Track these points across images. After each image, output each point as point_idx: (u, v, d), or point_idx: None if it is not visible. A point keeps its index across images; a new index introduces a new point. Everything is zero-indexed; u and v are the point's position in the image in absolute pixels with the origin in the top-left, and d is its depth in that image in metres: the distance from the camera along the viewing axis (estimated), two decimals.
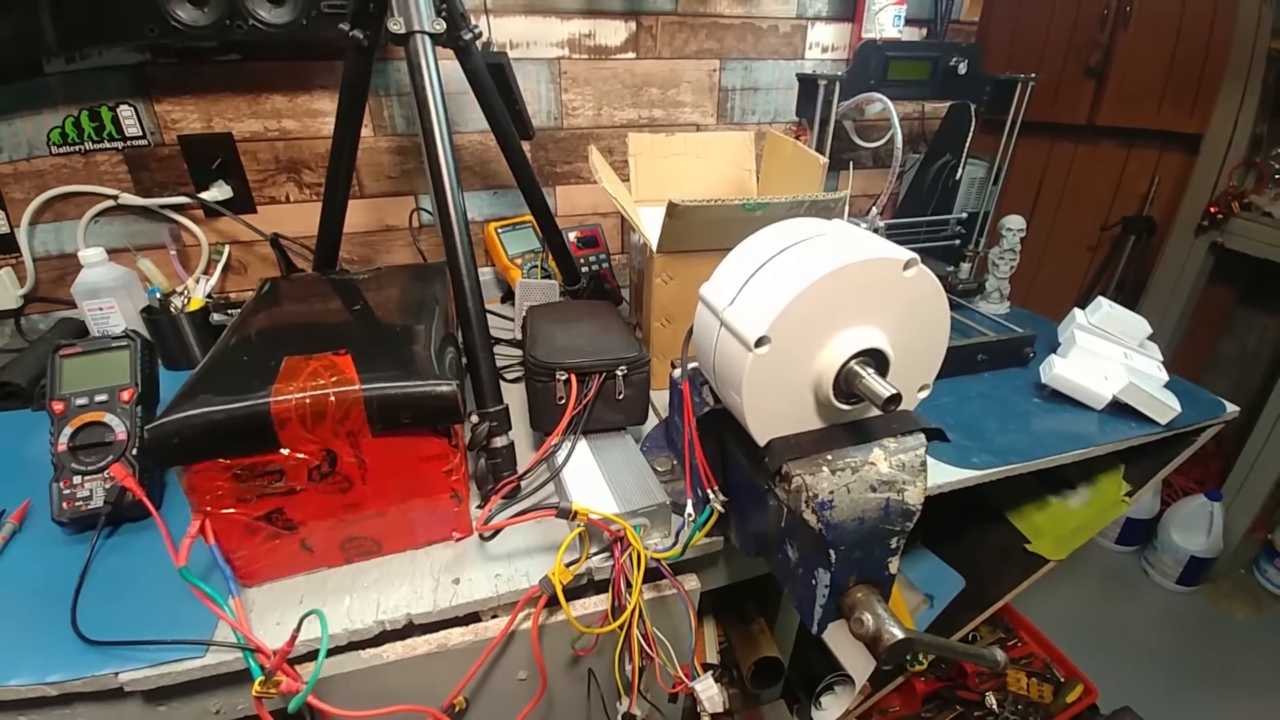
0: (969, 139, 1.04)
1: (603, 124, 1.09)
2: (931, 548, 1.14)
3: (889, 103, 0.84)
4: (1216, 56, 1.55)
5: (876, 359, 0.40)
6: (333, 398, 0.48)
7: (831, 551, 0.41)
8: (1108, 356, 0.89)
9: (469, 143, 1.06)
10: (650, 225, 0.76)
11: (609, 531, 0.52)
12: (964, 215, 1.10)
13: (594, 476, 0.61)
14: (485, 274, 1.14)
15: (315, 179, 1.02)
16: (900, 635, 0.42)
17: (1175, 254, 1.81)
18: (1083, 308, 0.95)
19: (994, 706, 1.27)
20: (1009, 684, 1.33)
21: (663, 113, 1.10)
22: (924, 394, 0.46)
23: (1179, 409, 0.81)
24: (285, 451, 0.48)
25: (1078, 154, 2.05)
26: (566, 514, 0.50)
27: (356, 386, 0.49)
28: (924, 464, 0.43)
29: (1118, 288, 2.17)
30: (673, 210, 0.65)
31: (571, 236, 1.09)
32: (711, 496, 0.51)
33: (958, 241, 1.12)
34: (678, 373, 0.64)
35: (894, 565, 0.46)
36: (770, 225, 0.44)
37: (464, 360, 0.64)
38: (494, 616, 0.54)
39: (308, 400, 0.48)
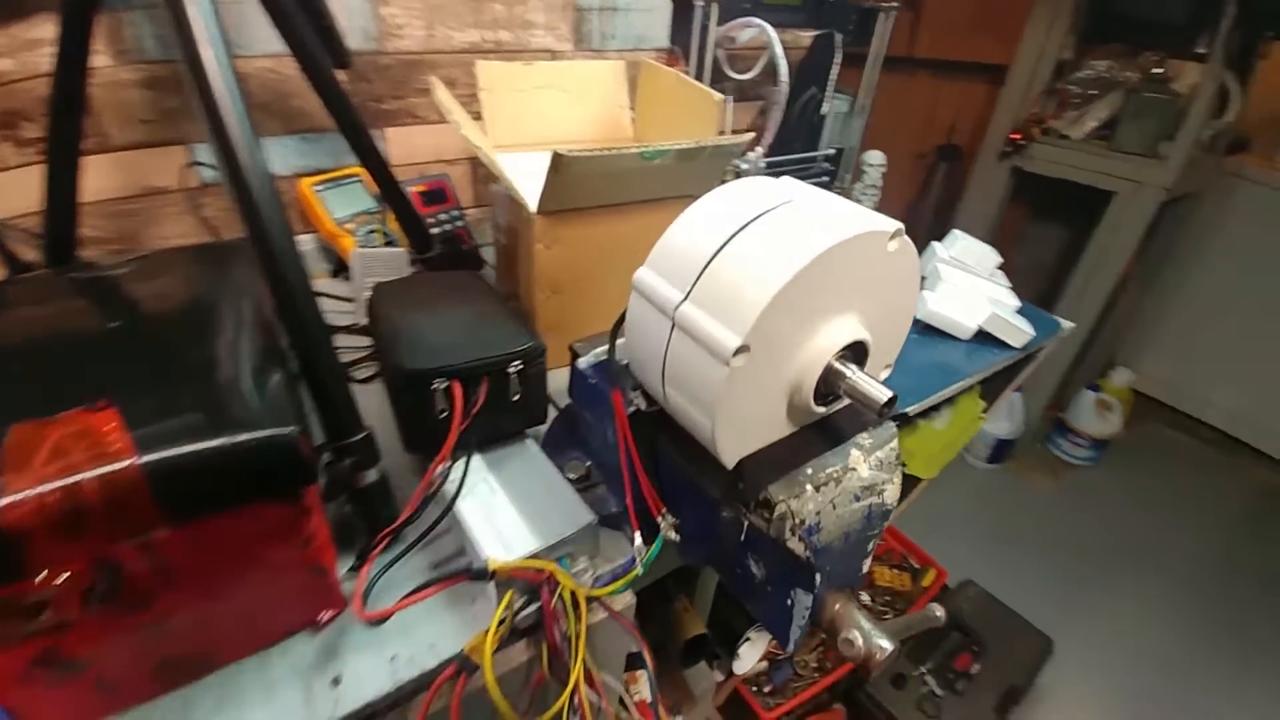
0: (835, 71, 1.00)
1: (438, 48, 0.89)
2: None
3: (770, 29, 0.76)
4: None
5: (855, 351, 0.34)
6: (95, 484, 0.31)
7: (818, 575, 0.36)
8: (970, 288, 0.93)
9: (256, 71, 0.81)
10: (519, 177, 0.62)
11: (535, 577, 0.43)
12: (832, 151, 1.08)
13: (499, 503, 0.50)
14: (304, 242, 0.91)
15: (41, 133, 0.71)
16: (890, 648, 0.38)
17: (982, 179, 2.02)
18: (911, 235, 0.99)
19: (867, 600, 1.40)
20: (875, 579, 1.48)
21: (510, 35, 0.92)
22: (887, 373, 0.41)
23: (1033, 333, 0.88)
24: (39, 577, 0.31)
25: (898, 86, 2.17)
26: (482, 575, 0.39)
27: (130, 460, 0.32)
28: (899, 455, 0.39)
29: (935, 212, 2.40)
30: (558, 163, 0.53)
31: (413, 190, 0.90)
32: (662, 524, 0.42)
33: (827, 178, 1.11)
34: (584, 363, 0.53)
35: (867, 565, 0.42)
36: (718, 189, 0.34)
37: (297, 374, 0.48)
38: (394, 708, 0.42)
39: (54, 495, 0.30)
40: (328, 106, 0.67)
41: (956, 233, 1.00)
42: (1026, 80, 1.77)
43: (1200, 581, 1.62)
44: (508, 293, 0.80)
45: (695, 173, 0.65)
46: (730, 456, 0.34)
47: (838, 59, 0.99)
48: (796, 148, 1.10)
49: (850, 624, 0.39)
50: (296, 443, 0.36)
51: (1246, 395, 2.00)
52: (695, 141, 0.56)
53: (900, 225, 0.31)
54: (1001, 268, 1.01)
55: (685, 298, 0.31)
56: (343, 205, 0.86)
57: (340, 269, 0.91)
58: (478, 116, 0.82)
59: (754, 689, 1.20)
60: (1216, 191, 1.83)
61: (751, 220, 0.31)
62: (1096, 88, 1.65)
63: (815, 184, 1.10)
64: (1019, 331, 0.87)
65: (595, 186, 0.59)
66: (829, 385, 0.33)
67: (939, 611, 0.50)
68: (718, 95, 0.64)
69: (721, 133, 0.72)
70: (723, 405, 0.31)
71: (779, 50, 0.75)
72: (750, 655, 1.00)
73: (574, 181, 0.57)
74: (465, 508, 0.48)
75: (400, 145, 0.95)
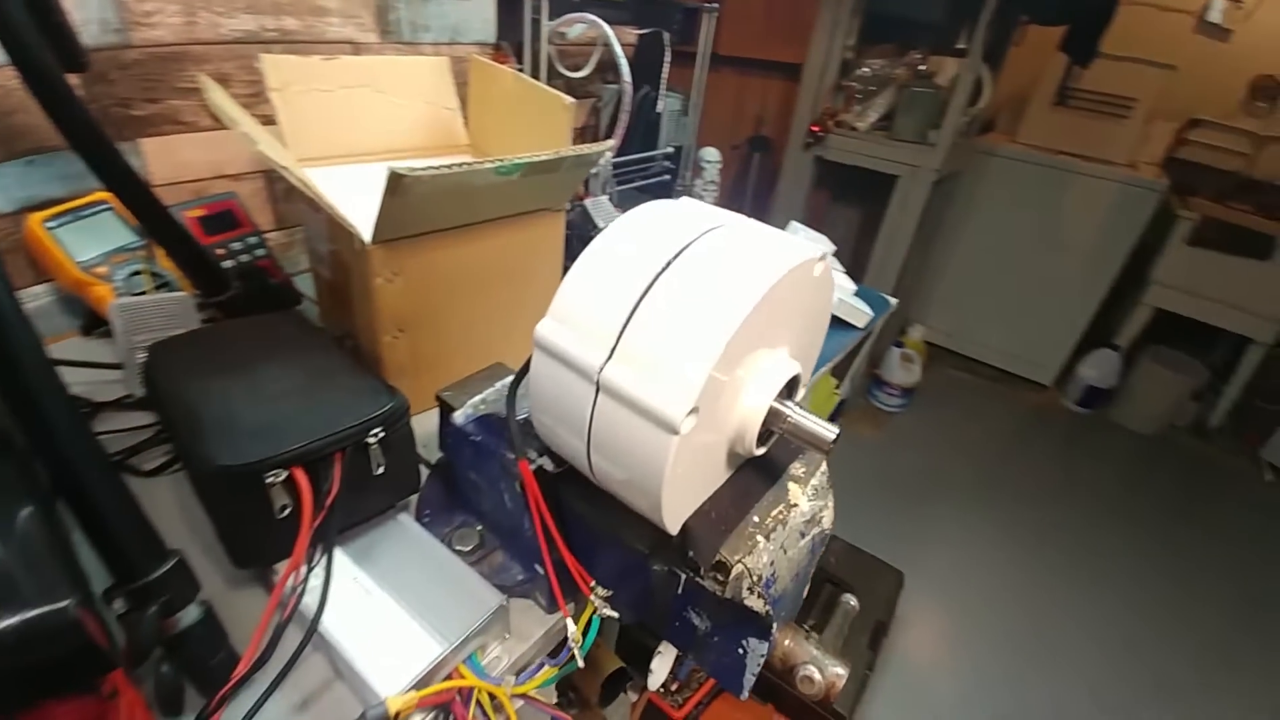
0: (666, 69, 1.00)
1: (201, 38, 0.71)
2: None
3: (605, 25, 0.72)
4: None
5: (789, 385, 0.31)
6: None
7: (775, 624, 0.33)
8: None
9: None
10: (339, 196, 0.51)
11: (448, 697, 0.35)
12: (671, 149, 1.08)
13: (379, 605, 0.41)
14: (37, 296, 0.70)
15: None
16: (845, 674, 0.37)
17: (791, 167, 2.19)
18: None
19: None
20: None
21: (299, 24, 0.77)
22: (803, 393, 0.39)
23: (872, 313, 0.95)
24: None
25: (707, 81, 2.27)
26: None
27: None
28: (829, 477, 0.37)
29: (754, 199, 2.56)
30: (396, 185, 0.44)
31: (189, 216, 0.72)
32: (596, 601, 0.37)
33: (668, 176, 1.10)
34: (461, 417, 0.46)
35: (805, 590, 0.40)
36: (616, 223, 0.29)
37: (55, 499, 0.34)
38: None
39: None
40: (55, 119, 0.50)
41: (795, 224, 1.05)
42: (817, 78, 1.95)
43: (1001, 494, 1.95)
44: (339, 333, 0.67)
45: (553, 185, 0.59)
46: (675, 522, 0.30)
47: (668, 57, 0.98)
48: (635, 147, 1.08)
49: (804, 658, 0.37)
50: (77, 621, 0.25)
51: (1010, 335, 2.44)
52: (556, 152, 0.50)
53: (825, 250, 0.29)
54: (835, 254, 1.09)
55: (609, 358, 0.26)
56: (89, 243, 0.67)
57: (96, 323, 0.71)
58: (269, 121, 0.68)
59: (662, 692, 1.19)
60: (974, 168, 2.18)
61: (670, 261, 0.27)
62: (875, 84, 1.86)
63: (657, 183, 1.09)
64: (861, 313, 0.94)
65: (441, 207, 0.51)
66: (769, 427, 0.30)
67: (853, 601, 0.50)
68: (568, 99, 0.58)
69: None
70: (671, 475, 0.26)
71: (618, 48, 0.71)
72: (662, 668, 0.98)
73: (416, 204, 0.48)
74: (335, 625, 0.39)
75: (163, 160, 0.75)
